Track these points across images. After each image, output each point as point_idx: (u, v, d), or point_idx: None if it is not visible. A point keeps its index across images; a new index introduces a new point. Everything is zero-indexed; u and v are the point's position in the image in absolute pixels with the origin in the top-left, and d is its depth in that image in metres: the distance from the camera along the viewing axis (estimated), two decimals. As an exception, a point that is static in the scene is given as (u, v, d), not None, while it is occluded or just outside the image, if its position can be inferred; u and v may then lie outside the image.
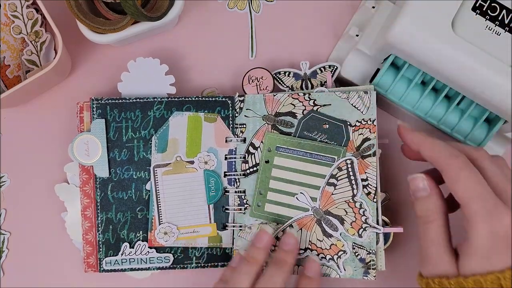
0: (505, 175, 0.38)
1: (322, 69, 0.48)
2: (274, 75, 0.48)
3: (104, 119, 0.45)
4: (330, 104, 0.45)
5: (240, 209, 0.46)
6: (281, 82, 0.48)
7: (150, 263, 0.46)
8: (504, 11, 0.41)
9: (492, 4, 0.41)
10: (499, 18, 0.41)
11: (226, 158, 0.47)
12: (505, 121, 0.43)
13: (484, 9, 0.41)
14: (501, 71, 0.40)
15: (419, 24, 0.40)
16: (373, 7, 0.48)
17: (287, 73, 0.48)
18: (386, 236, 0.45)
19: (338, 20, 0.51)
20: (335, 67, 0.47)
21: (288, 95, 0.46)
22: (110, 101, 0.46)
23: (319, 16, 0.51)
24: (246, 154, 0.47)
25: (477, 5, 0.41)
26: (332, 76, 0.47)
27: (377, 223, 0.44)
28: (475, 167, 0.37)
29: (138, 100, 0.46)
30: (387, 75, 0.45)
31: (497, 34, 0.41)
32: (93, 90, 0.50)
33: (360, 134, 0.45)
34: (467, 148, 0.39)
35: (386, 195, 0.47)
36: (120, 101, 0.46)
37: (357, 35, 0.48)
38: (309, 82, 0.48)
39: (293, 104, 0.46)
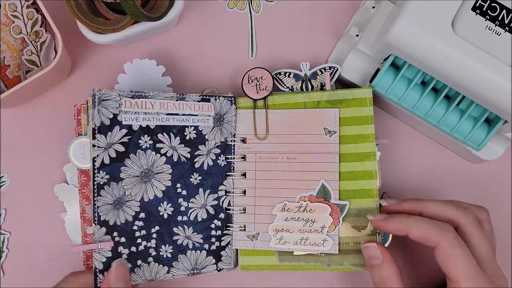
0: (488, 242, 0.40)
1: (323, 70, 0.48)
2: (274, 76, 0.48)
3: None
4: None
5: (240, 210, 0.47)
6: (281, 83, 0.48)
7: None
8: (504, 11, 0.41)
9: (492, 4, 0.41)
10: (499, 18, 0.41)
11: (226, 159, 0.47)
12: (505, 121, 0.43)
13: (484, 9, 0.41)
14: (501, 71, 0.40)
15: (419, 24, 0.40)
16: (373, 7, 0.48)
17: (287, 74, 0.48)
18: (385, 236, 0.45)
19: (338, 20, 0.51)
20: (336, 69, 0.47)
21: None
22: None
23: (319, 16, 0.51)
24: (245, 155, 0.47)
25: (477, 5, 0.41)
26: (332, 77, 0.47)
27: None
28: (462, 232, 0.40)
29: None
30: (387, 75, 0.45)
31: (497, 34, 0.41)
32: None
33: None
34: (452, 211, 0.40)
35: (386, 195, 0.47)
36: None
37: (357, 35, 0.48)
38: (309, 83, 0.48)
39: None
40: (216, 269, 0.46)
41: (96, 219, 0.43)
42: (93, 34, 0.45)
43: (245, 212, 0.46)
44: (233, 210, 0.47)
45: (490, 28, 0.41)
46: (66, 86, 0.51)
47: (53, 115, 0.50)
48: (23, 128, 0.50)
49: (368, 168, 0.45)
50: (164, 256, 0.45)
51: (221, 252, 0.46)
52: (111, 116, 0.44)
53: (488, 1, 0.41)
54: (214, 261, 0.46)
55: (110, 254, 0.43)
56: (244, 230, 0.46)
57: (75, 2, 0.44)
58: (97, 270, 0.43)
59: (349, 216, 0.45)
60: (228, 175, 0.47)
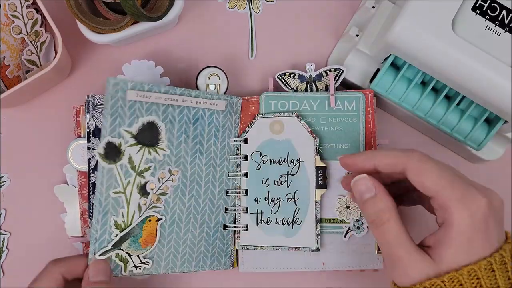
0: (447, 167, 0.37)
1: (328, 72, 0.48)
2: (278, 76, 0.48)
3: None
4: None
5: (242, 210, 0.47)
6: (286, 84, 0.48)
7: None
8: (504, 11, 0.41)
9: (492, 4, 0.41)
10: (499, 18, 0.41)
11: (228, 159, 0.47)
12: (505, 121, 0.43)
13: (484, 9, 0.41)
14: (501, 71, 0.40)
15: (419, 24, 0.40)
16: (373, 7, 0.48)
17: (292, 75, 0.48)
18: None
19: (338, 20, 0.51)
20: (341, 71, 0.47)
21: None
22: None
23: (319, 16, 0.51)
24: (248, 155, 0.47)
25: (477, 5, 0.41)
26: (337, 79, 0.47)
27: None
28: None
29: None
30: (387, 75, 0.45)
31: (497, 34, 0.41)
32: (93, 90, 0.50)
33: None
34: (401, 155, 0.38)
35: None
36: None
37: (357, 35, 0.48)
38: (313, 85, 0.48)
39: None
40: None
41: (91, 214, 0.44)
42: (93, 34, 0.45)
43: (247, 212, 0.46)
44: (235, 210, 0.47)
45: (490, 28, 0.41)
46: (66, 86, 0.51)
47: (53, 115, 0.50)
48: (23, 128, 0.50)
49: None
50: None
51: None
52: None
53: (488, 1, 0.41)
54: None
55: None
56: (247, 230, 0.46)
57: (75, 2, 0.44)
58: None
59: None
60: (228, 176, 0.47)
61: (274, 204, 0.46)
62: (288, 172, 0.46)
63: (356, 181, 0.39)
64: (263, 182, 0.46)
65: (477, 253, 0.34)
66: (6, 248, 0.49)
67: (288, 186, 0.46)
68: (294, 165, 0.46)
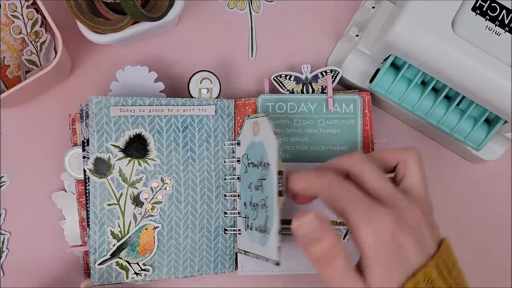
0: (379, 172, 0.36)
1: (324, 73, 0.48)
2: (274, 78, 0.48)
3: None
4: None
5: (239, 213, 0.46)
6: (282, 85, 0.48)
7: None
8: (504, 11, 0.41)
9: (492, 4, 0.41)
10: (499, 18, 0.41)
11: (225, 162, 0.47)
12: (505, 121, 0.43)
13: (484, 9, 0.41)
14: (501, 71, 0.40)
15: (419, 24, 0.40)
16: (373, 7, 0.48)
17: (288, 77, 0.48)
18: None
19: (338, 20, 0.51)
20: (337, 72, 0.47)
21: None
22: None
23: (319, 16, 0.51)
24: (240, 158, 0.46)
25: (477, 5, 0.41)
26: (333, 81, 0.47)
27: None
28: (354, 174, 0.36)
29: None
30: (387, 75, 0.45)
31: (497, 34, 0.41)
32: (93, 90, 0.50)
33: None
34: (338, 160, 0.38)
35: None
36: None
37: (357, 35, 0.48)
38: (310, 86, 0.48)
39: None
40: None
41: (90, 223, 0.44)
42: (93, 34, 0.45)
43: (240, 216, 0.46)
44: (231, 214, 0.47)
45: (490, 28, 0.41)
46: (66, 86, 0.51)
47: (53, 115, 0.50)
48: (23, 128, 0.50)
49: None
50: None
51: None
52: None
53: (488, 1, 0.41)
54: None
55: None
56: (241, 234, 0.46)
57: (75, 2, 0.44)
58: None
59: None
60: (225, 179, 0.47)
61: (255, 210, 0.42)
62: (262, 176, 0.41)
63: (298, 226, 0.34)
64: (248, 186, 0.43)
65: (398, 275, 0.32)
66: (6, 248, 0.49)
67: (262, 192, 0.41)
68: (265, 169, 0.40)
